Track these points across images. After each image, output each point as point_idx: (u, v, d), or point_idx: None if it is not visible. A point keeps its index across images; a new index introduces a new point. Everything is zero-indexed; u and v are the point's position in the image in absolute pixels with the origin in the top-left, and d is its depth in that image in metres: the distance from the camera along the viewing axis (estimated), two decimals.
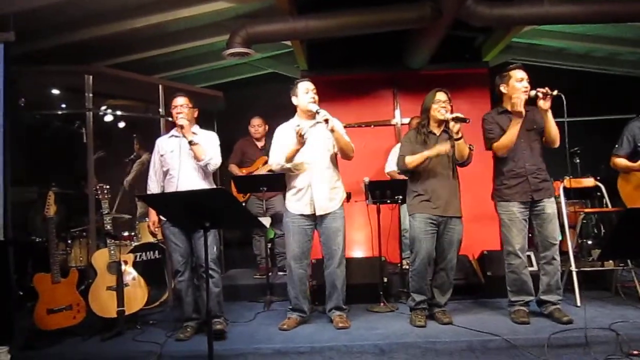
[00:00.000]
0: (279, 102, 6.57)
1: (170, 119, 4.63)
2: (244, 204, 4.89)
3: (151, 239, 4.57)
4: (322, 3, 4.54)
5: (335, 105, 5.65)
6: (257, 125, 5.18)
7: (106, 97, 5.30)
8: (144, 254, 4.41)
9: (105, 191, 3.81)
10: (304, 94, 3.57)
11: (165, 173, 3.58)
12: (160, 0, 4.23)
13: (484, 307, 3.96)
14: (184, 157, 3.51)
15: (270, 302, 4.27)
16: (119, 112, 4.94)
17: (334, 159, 3.65)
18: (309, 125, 3.56)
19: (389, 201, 4.19)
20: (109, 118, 5.09)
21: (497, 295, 4.05)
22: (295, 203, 3.59)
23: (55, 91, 4.96)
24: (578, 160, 5.24)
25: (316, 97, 3.57)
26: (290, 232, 3.61)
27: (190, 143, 3.45)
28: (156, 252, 4.50)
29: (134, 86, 4.84)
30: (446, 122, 3.47)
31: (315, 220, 3.59)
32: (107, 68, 4.68)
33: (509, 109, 3.38)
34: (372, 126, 5.72)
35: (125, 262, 3.88)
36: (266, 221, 4.30)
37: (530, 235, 3.60)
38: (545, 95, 3.23)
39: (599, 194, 4.64)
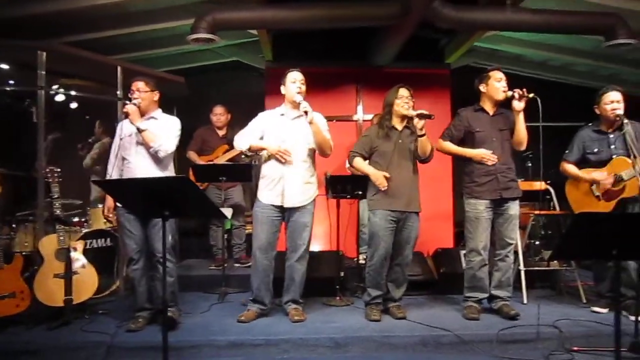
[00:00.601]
0: (242, 91, 6.55)
1: (127, 102, 4.52)
2: None
3: (103, 226, 4.44)
4: None
5: None
6: (219, 114, 5.09)
7: (60, 76, 5.06)
8: (95, 241, 4.25)
9: (56, 174, 3.64)
10: (291, 83, 3.55)
11: (123, 157, 3.48)
12: None
13: (437, 303, 4.06)
14: (139, 143, 3.41)
15: (225, 294, 4.22)
16: (73, 92, 4.71)
17: (312, 155, 3.63)
18: (294, 116, 3.55)
19: (349, 196, 4.21)
20: (62, 98, 4.85)
21: (449, 291, 4.18)
22: (267, 193, 3.56)
23: (4, 66, 4.68)
24: (530, 164, 5.44)
25: (303, 88, 3.54)
26: (258, 222, 3.56)
27: (138, 130, 3.34)
28: (108, 239, 4.35)
29: (91, 66, 4.63)
30: (409, 118, 3.52)
31: (284, 212, 3.56)
32: (62, 45, 4.46)
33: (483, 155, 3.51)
34: (334, 121, 5.69)
35: (75, 249, 3.73)
36: (228, 212, 4.23)
37: None
38: (521, 96, 3.34)
39: (548, 197, 4.84)
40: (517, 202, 3.60)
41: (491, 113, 3.60)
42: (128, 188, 2.28)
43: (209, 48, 5.57)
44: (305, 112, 3.38)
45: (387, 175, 3.50)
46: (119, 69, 4.26)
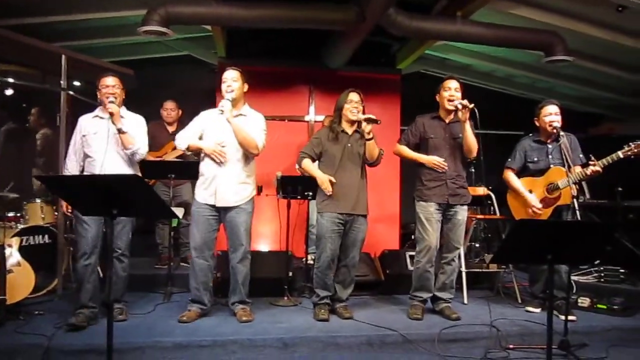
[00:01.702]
0: (193, 86, 6.41)
1: (71, 92, 4.32)
2: None
3: (41, 222, 4.22)
4: None
5: (250, 95, 5.53)
6: (170, 109, 4.97)
7: None
8: (31, 237, 4.03)
9: None
10: (223, 82, 3.55)
11: (86, 155, 3.39)
12: None
13: (383, 303, 4.16)
14: (110, 142, 3.35)
15: (170, 294, 4.13)
16: (10, 80, 4.44)
17: (248, 155, 3.58)
18: (235, 114, 3.51)
19: (299, 197, 4.23)
20: (9, 92, 4.58)
21: (395, 292, 4.30)
22: (202, 191, 3.53)
23: None
24: (473, 170, 5.68)
25: (234, 85, 3.52)
26: (194, 221, 3.54)
27: (120, 131, 3.29)
28: (46, 236, 4.14)
29: (33, 53, 4.38)
30: (359, 122, 3.59)
31: (219, 212, 3.53)
32: (1, 29, 4.19)
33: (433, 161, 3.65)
34: (286, 120, 5.72)
35: (10, 246, 3.53)
36: (179, 211, 4.14)
37: None
38: (463, 107, 3.46)
39: (489, 202, 5.08)
40: (465, 207, 3.75)
41: (447, 121, 3.72)
42: (74, 185, 2.19)
43: (159, 40, 5.43)
44: (222, 112, 3.39)
45: (333, 180, 3.55)
46: (63, 57, 4.06)
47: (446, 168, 3.63)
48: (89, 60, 4.52)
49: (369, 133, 3.46)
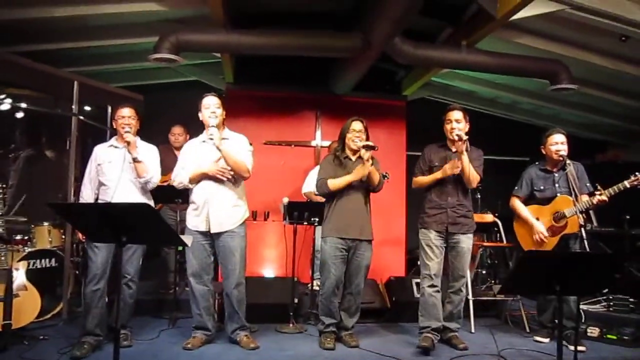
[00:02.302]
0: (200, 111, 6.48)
1: (82, 117, 4.39)
2: None
3: (48, 245, 4.24)
4: (256, 19, 4.56)
5: (257, 121, 5.66)
6: (177, 134, 5.01)
7: (8, 86, 4.86)
8: (38, 261, 4.04)
9: (1, 190, 3.48)
10: (205, 109, 3.54)
11: (100, 183, 3.47)
12: None
13: (389, 331, 4.12)
14: (125, 171, 3.41)
15: (175, 319, 4.11)
16: (24, 105, 4.52)
17: (238, 177, 3.58)
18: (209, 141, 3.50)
19: (305, 222, 4.23)
20: (7, 107, 4.65)
21: (401, 319, 4.26)
22: (193, 218, 3.53)
23: None
24: (479, 196, 5.68)
25: (218, 112, 3.52)
26: (190, 248, 3.51)
27: (135, 160, 3.38)
28: (53, 259, 4.15)
29: (45, 79, 4.47)
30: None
31: (212, 237, 3.52)
32: (15, 56, 4.29)
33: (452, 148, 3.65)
34: (293, 145, 5.77)
35: (17, 270, 3.54)
36: (188, 239, 4.13)
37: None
38: (459, 139, 3.47)
39: (495, 229, 5.07)
40: (470, 236, 3.70)
41: (453, 150, 3.70)
42: (84, 212, 2.21)
43: (168, 66, 5.53)
44: (212, 139, 3.41)
45: (366, 170, 3.52)
46: (75, 83, 4.14)
47: (459, 167, 3.53)
48: (101, 87, 4.60)
49: (368, 160, 3.48)
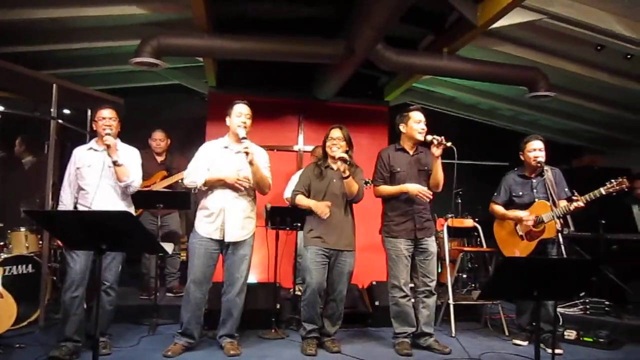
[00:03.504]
0: (182, 115, 6.45)
1: (61, 121, 4.32)
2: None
3: (25, 251, 4.16)
4: (239, 24, 4.55)
5: None
6: (159, 139, 4.96)
7: None
8: (15, 267, 3.95)
9: None
10: (236, 117, 3.50)
11: (79, 187, 3.38)
12: None
13: (371, 336, 4.14)
14: (104, 175, 3.33)
15: (156, 326, 4.06)
16: (1, 108, 4.43)
17: (253, 190, 3.59)
18: (237, 149, 3.48)
19: (288, 227, 4.23)
20: None
21: (384, 324, 4.26)
22: (206, 225, 3.48)
23: None
24: (459, 201, 5.76)
25: (248, 122, 3.52)
26: (195, 255, 3.47)
27: (115, 164, 3.28)
28: (30, 265, 4.06)
29: (22, 81, 4.39)
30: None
31: (223, 246, 3.50)
32: None
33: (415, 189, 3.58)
34: (275, 150, 5.76)
35: None
36: (169, 247, 4.11)
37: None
38: (439, 143, 3.50)
39: (475, 233, 5.14)
40: (433, 238, 3.76)
41: (411, 153, 3.73)
42: (62, 220, 2.18)
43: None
44: (246, 153, 3.36)
45: (329, 203, 3.55)
46: (54, 86, 4.08)
47: (431, 197, 3.61)
48: (80, 90, 4.53)
49: (344, 171, 3.46)
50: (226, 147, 3.55)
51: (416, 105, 3.84)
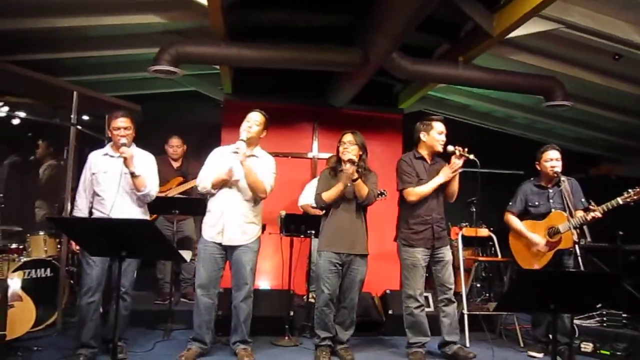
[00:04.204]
0: (198, 121, 6.51)
1: (80, 127, 4.40)
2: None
3: (44, 255, 4.23)
4: (255, 32, 4.60)
5: None
6: (175, 146, 5.01)
7: (5, 95, 4.87)
8: (33, 271, 4.02)
9: None
10: (245, 122, 3.59)
11: (95, 193, 3.41)
12: (88, 4, 4.03)
13: (385, 345, 4.13)
14: (122, 183, 3.34)
15: (170, 330, 4.10)
16: (22, 114, 4.52)
17: (256, 197, 3.60)
18: (247, 154, 3.52)
19: (302, 235, 4.25)
20: (15, 121, 4.66)
21: (397, 333, 4.24)
22: (209, 229, 3.54)
23: None
24: (474, 209, 5.72)
25: (254, 128, 3.56)
26: (200, 259, 3.53)
27: (132, 175, 3.31)
28: (48, 269, 4.12)
29: (44, 88, 4.49)
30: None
31: (225, 250, 3.53)
32: (14, 66, 4.31)
33: (447, 170, 3.59)
34: (290, 157, 5.80)
35: (12, 280, 3.52)
36: (187, 254, 4.15)
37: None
38: (461, 155, 3.49)
39: (490, 243, 5.10)
40: (449, 247, 3.77)
41: (429, 162, 3.73)
42: (86, 227, 2.22)
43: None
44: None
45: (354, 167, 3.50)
46: (75, 94, 4.15)
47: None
48: (99, 97, 4.61)
49: (352, 174, 3.49)
50: (236, 152, 3.56)
51: (439, 116, 3.83)
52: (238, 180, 3.50)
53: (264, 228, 4.02)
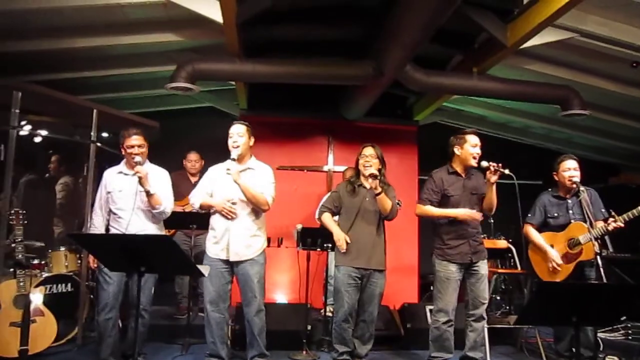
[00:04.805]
0: (214, 137, 6.54)
1: (100, 144, 4.48)
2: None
3: (64, 270, 4.28)
4: (269, 48, 4.66)
5: (270, 146, 5.72)
6: (194, 161, 5.08)
7: (28, 113, 4.99)
8: (55, 286, 4.07)
9: (21, 216, 3.54)
10: (229, 138, 3.56)
11: (111, 211, 3.45)
12: (107, 25, 4.13)
13: (403, 358, 4.09)
14: (137, 200, 3.36)
15: (188, 345, 4.11)
16: (44, 132, 4.63)
17: (259, 210, 3.60)
18: (238, 170, 3.50)
19: (319, 249, 4.24)
20: (37, 139, 4.77)
21: (415, 346, 4.22)
22: (213, 246, 3.53)
23: None
24: (492, 221, 5.66)
25: (240, 141, 3.52)
26: (208, 275, 3.49)
27: (148, 193, 3.33)
28: (69, 284, 4.17)
29: (64, 106, 4.60)
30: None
31: (232, 265, 3.53)
32: (37, 86, 4.42)
33: (470, 213, 3.53)
34: (305, 171, 5.83)
35: (34, 295, 3.58)
36: (205, 269, 4.16)
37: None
38: (496, 171, 3.42)
39: (509, 255, 5.03)
40: (485, 261, 3.68)
41: (463, 176, 3.66)
42: (106, 244, 2.26)
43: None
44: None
45: (348, 240, 3.56)
46: (94, 111, 4.24)
47: (481, 218, 3.55)
48: (118, 114, 4.70)
49: (375, 188, 3.47)
50: (228, 169, 3.55)
51: (472, 129, 3.75)
52: (234, 209, 3.48)
53: (280, 242, 4.05)
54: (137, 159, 3.34)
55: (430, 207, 3.64)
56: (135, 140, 3.40)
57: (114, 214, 3.44)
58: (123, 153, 3.48)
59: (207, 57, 4.38)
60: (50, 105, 4.67)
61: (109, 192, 3.46)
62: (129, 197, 3.38)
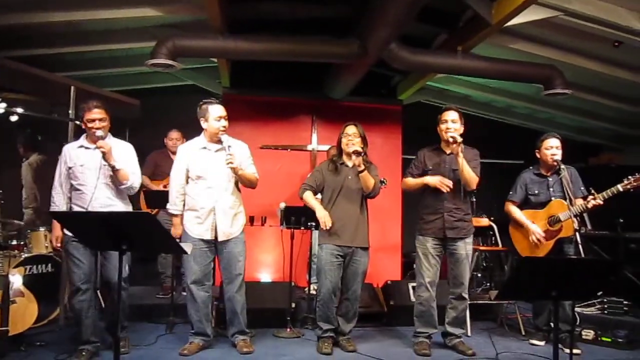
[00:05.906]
0: (196, 115, 6.45)
1: (78, 122, 4.38)
2: None
3: (44, 250, 4.22)
4: (253, 25, 4.57)
5: (254, 125, 5.68)
6: (175, 139, 5.02)
7: (2, 91, 4.84)
8: (35, 266, 4.02)
9: None
10: (215, 120, 3.48)
11: (73, 186, 3.30)
12: None
13: (387, 336, 4.14)
14: (101, 175, 3.25)
15: (173, 324, 4.11)
16: (20, 110, 4.50)
17: (236, 184, 3.61)
18: (216, 149, 3.51)
19: (302, 227, 4.24)
20: (13, 118, 4.64)
21: (399, 323, 4.28)
22: (196, 226, 3.49)
23: None
24: (474, 199, 5.71)
25: (226, 124, 3.51)
26: (190, 255, 3.42)
27: (114, 169, 3.20)
28: (49, 265, 4.12)
29: (41, 84, 4.47)
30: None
31: (216, 244, 3.52)
32: (14, 62, 4.29)
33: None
34: (289, 150, 5.79)
35: (13, 276, 3.53)
36: (188, 247, 4.13)
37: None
38: (454, 141, 3.47)
39: (491, 232, 5.10)
40: (469, 241, 3.67)
41: (447, 152, 3.69)
42: (87, 222, 2.22)
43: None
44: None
45: (331, 219, 3.56)
46: (72, 89, 4.13)
47: (451, 186, 3.54)
48: (97, 92, 4.59)
49: (358, 165, 3.48)
50: (204, 148, 3.53)
51: (448, 105, 3.79)
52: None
53: (264, 221, 4.04)
54: (99, 133, 3.19)
55: (410, 178, 3.77)
56: (96, 114, 3.22)
57: (76, 190, 3.28)
58: (84, 127, 3.31)
59: (188, 33, 4.28)
60: (27, 83, 4.53)
61: (70, 168, 3.28)
62: (91, 171, 3.23)
